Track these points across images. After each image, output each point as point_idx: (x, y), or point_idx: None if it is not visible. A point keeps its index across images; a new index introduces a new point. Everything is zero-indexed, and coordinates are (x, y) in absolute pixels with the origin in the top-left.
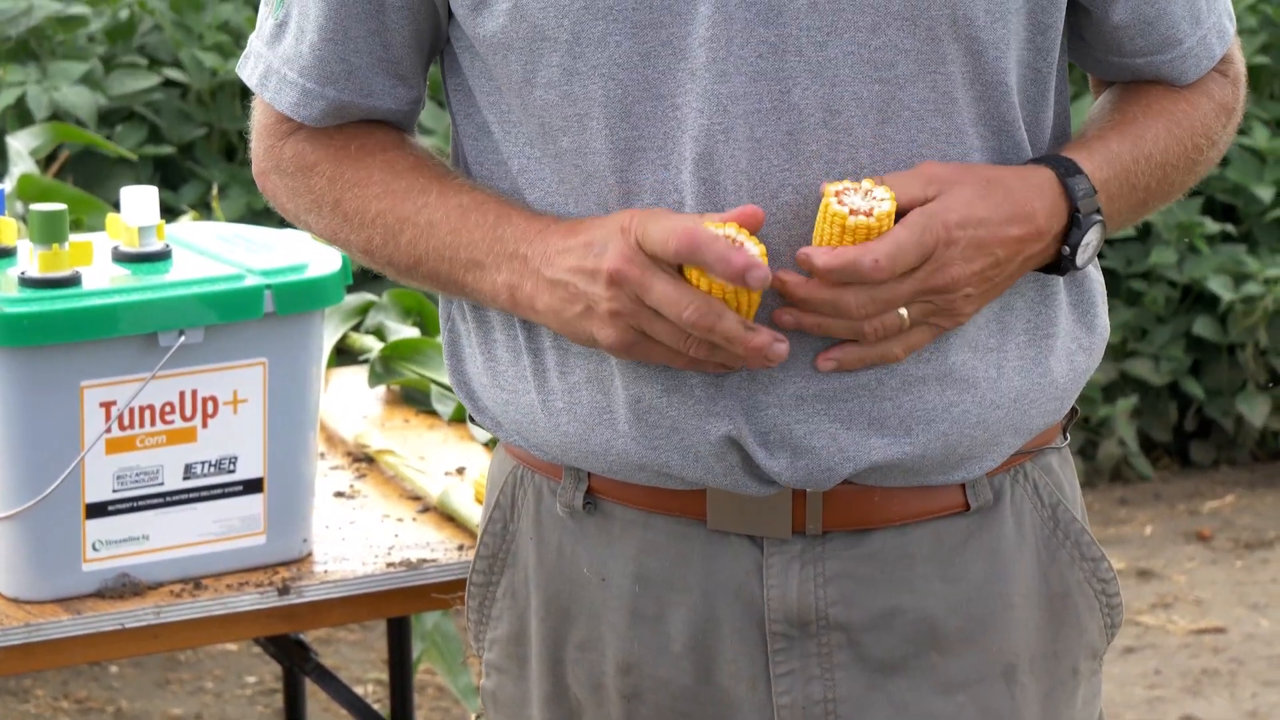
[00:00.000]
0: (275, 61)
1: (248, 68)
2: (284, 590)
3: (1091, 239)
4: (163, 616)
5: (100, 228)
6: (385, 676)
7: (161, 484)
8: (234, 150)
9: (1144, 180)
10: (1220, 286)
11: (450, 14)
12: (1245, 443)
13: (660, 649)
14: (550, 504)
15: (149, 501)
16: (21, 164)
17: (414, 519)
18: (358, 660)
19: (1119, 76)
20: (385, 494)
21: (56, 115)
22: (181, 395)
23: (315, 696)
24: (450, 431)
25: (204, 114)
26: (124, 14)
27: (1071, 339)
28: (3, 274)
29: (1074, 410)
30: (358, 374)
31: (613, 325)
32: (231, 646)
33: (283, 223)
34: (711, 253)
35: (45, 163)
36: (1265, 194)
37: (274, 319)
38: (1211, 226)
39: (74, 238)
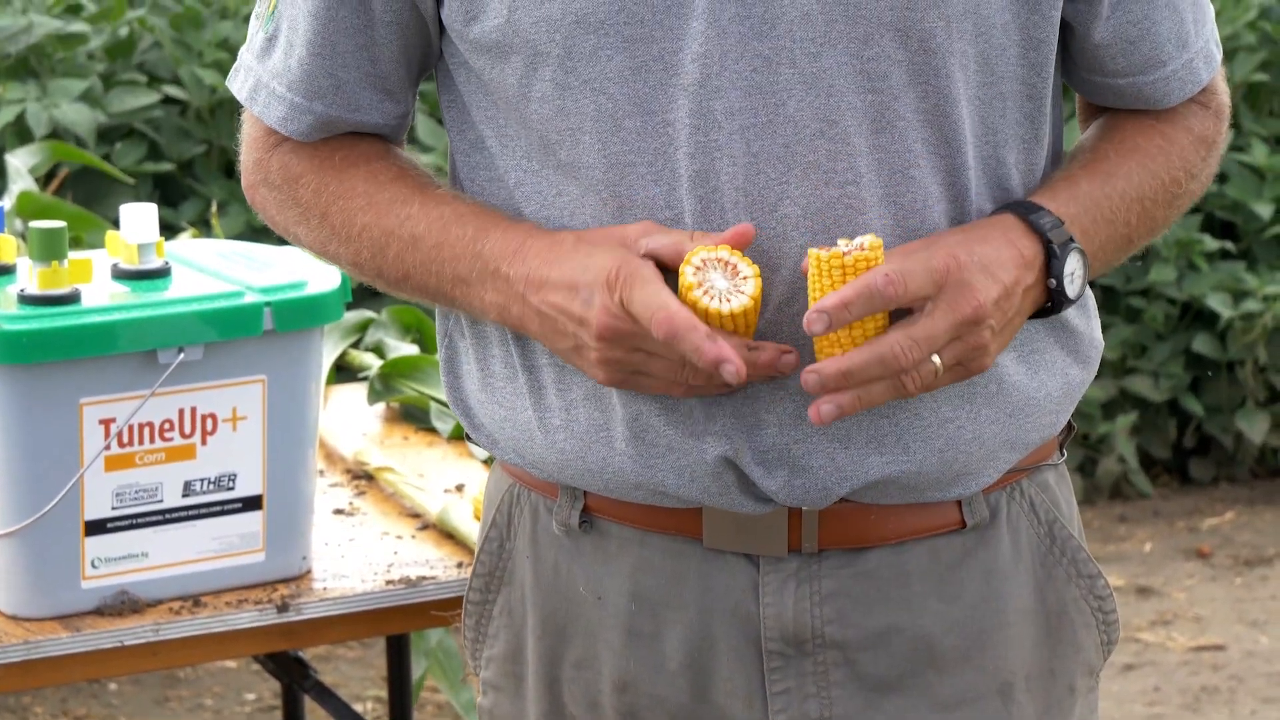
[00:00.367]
0: (265, 75)
1: (238, 81)
2: (283, 607)
3: (1075, 267)
4: (162, 634)
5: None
6: (384, 694)
7: (161, 501)
8: (233, 167)
9: (1122, 215)
10: (1219, 303)
11: (442, 30)
12: (1245, 460)
13: (656, 667)
14: (546, 522)
15: (148, 519)
16: (21, 181)
17: (413, 536)
18: (357, 677)
19: (1102, 97)
20: (384, 511)
21: (56, 133)
22: (181, 412)
23: (314, 714)
24: (449, 449)
25: (203, 131)
26: (123, 31)
27: (1065, 352)
28: (2, 291)
29: (1070, 426)
30: (357, 391)
31: (604, 368)
32: (231, 664)
33: (282, 240)
34: (688, 345)
35: (45, 180)
36: (1264, 211)
37: (273, 336)
38: (1211, 243)
39: (73, 255)
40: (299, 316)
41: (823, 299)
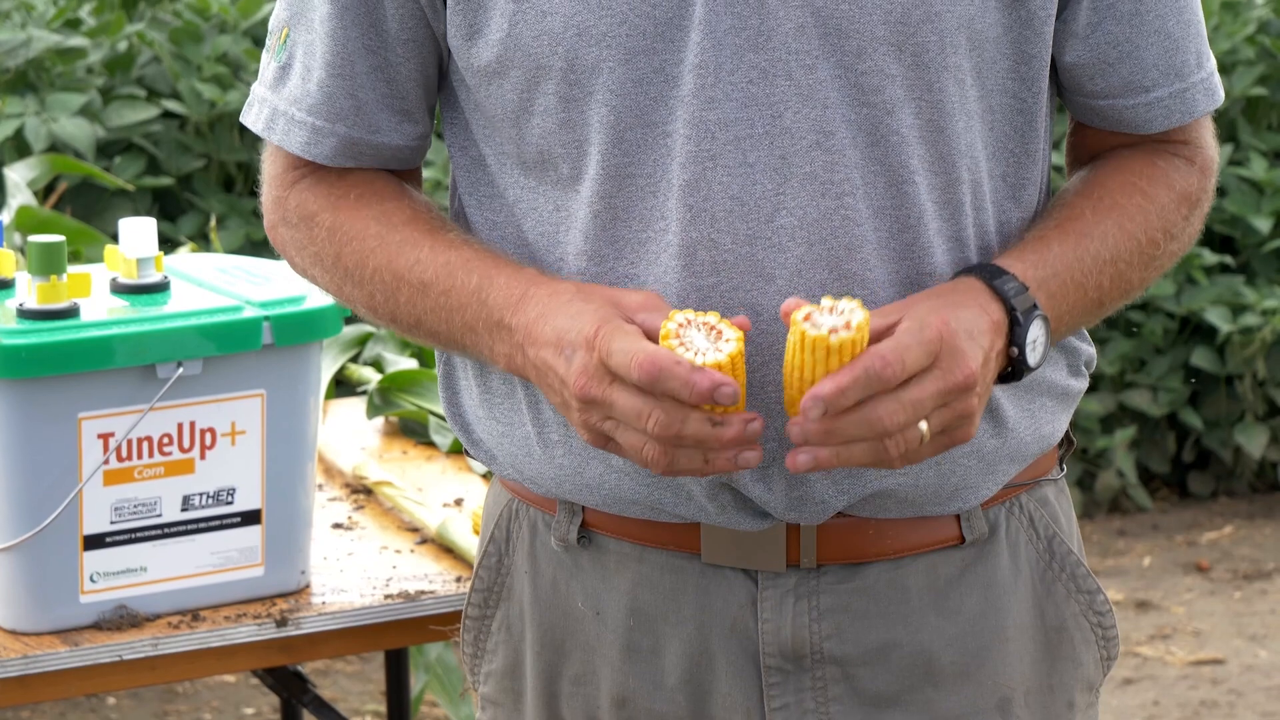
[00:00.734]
0: (281, 104)
1: (252, 114)
2: (282, 622)
3: (1037, 334)
4: (160, 648)
5: (98, 259)
6: (383, 708)
7: (159, 515)
8: (232, 181)
9: (1094, 279)
10: (1218, 318)
11: (449, 49)
12: (1244, 474)
13: (655, 683)
14: (545, 538)
15: (147, 533)
16: (20, 195)
17: (412, 550)
18: (356, 692)
19: (1087, 117)
20: (383, 525)
21: (55, 147)
22: (180, 427)
23: None
24: (448, 463)
25: (202, 145)
26: (122, 46)
27: (1060, 362)
28: (1, 305)
29: (1070, 441)
30: (356, 405)
31: (585, 430)
32: (229, 678)
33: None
34: (675, 380)
35: (43, 194)
36: (1263, 225)
37: (272, 350)
38: (1209, 257)
39: (72, 269)
40: (298, 331)
41: (820, 386)
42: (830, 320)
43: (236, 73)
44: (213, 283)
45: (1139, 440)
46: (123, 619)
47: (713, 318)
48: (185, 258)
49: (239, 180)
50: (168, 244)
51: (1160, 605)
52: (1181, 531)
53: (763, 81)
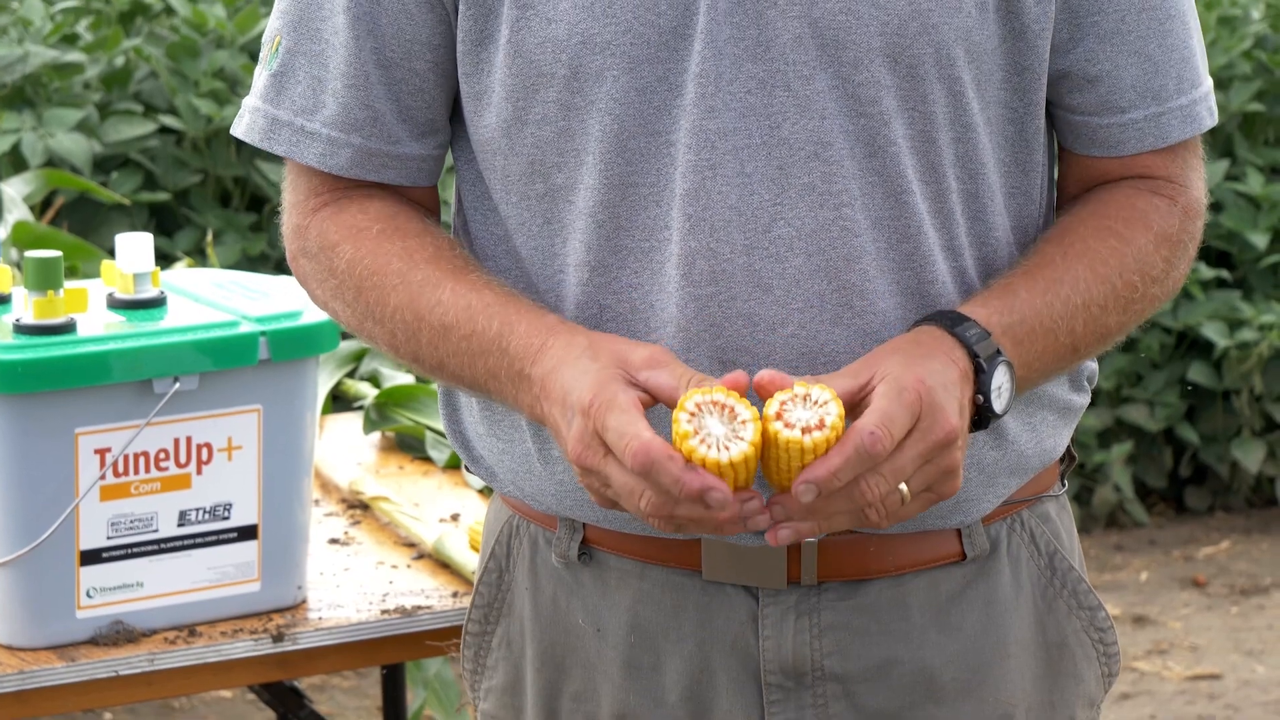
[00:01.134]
0: (284, 114)
1: (243, 124)
2: (278, 637)
3: (1002, 380)
4: (157, 664)
5: (95, 274)
6: None
7: (156, 531)
8: (229, 197)
9: (1064, 324)
10: (1215, 333)
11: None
12: (1240, 489)
13: (655, 700)
14: (545, 554)
15: (143, 548)
16: (16, 211)
17: (408, 566)
18: (352, 707)
19: (1063, 134)
20: (380, 541)
21: (51, 162)
22: (176, 442)
23: None
24: (445, 478)
25: (199, 161)
26: (119, 61)
27: (1062, 377)
28: None
29: (1072, 456)
30: (352, 420)
31: (587, 489)
32: (226, 693)
33: (278, 268)
34: (666, 476)
35: (40, 209)
36: (1260, 240)
37: (269, 366)
38: (1206, 272)
39: (69, 284)
40: (294, 346)
41: (813, 470)
42: (804, 415)
43: (233, 88)
44: (209, 298)
45: (1136, 455)
46: (119, 634)
47: (721, 394)
48: (182, 273)
49: (236, 195)
50: (164, 259)
51: (1157, 620)
52: (1178, 546)
53: (761, 92)
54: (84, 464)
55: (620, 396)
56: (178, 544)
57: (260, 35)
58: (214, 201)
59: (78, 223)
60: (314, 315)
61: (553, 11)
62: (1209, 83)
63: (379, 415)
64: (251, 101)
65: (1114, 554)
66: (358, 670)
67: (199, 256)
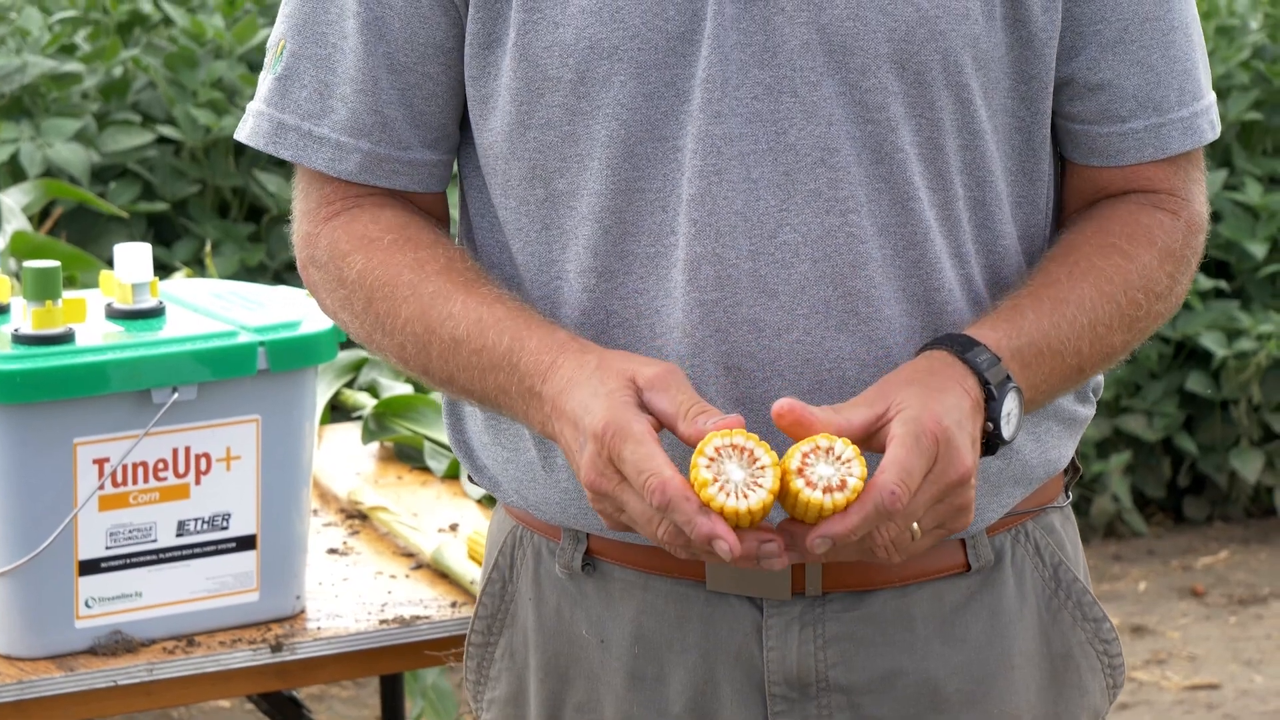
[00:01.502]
0: (290, 119)
1: (247, 128)
2: (277, 647)
3: (1011, 407)
4: (155, 673)
5: (94, 284)
6: None
7: (154, 541)
8: (227, 207)
9: (1071, 345)
10: (1213, 342)
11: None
12: (1239, 499)
13: (659, 711)
14: (549, 565)
15: (142, 558)
16: (15, 221)
17: (407, 576)
18: (351, 717)
19: (1063, 143)
20: (378, 551)
21: (50, 172)
22: (175, 452)
23: None
24: (443, 488)
25: (197, 171)
26: (118, 71)
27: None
28: None
29: (1076, 468)
30: (351, 431)
31: (599, 513)
32: (224, 703)
33: (276, 278)
34: (680, 516)
35: (39, 219)
36: (1258, 250)
37: (267, 376)
38: (1204, 282)
39: (67, 294)
40: (293, 356)
41: (830, 526)
42: (826, 472)
43: (231, 98)
44: (208, 308)
45: (1134, 465)
46: (118, 644)
47: (741, 437)
48: (180, 283)
49: (234, 206)
50: (163, 269)
51: (1156, 630)
52: (1177, 556)
53: (768, 98)
54: (82, 474)
55: (634, 425)
56: (176, 554)
57: (258, 45)
58: (212, 212)
59: (76, 233)
60: (312, 325)
61: (560, 16)
62: (1212, 96)
63: (377, 425)
64: (256, 106)
65: (1112, 564)
66: (356, 680)
67: (197, 267)
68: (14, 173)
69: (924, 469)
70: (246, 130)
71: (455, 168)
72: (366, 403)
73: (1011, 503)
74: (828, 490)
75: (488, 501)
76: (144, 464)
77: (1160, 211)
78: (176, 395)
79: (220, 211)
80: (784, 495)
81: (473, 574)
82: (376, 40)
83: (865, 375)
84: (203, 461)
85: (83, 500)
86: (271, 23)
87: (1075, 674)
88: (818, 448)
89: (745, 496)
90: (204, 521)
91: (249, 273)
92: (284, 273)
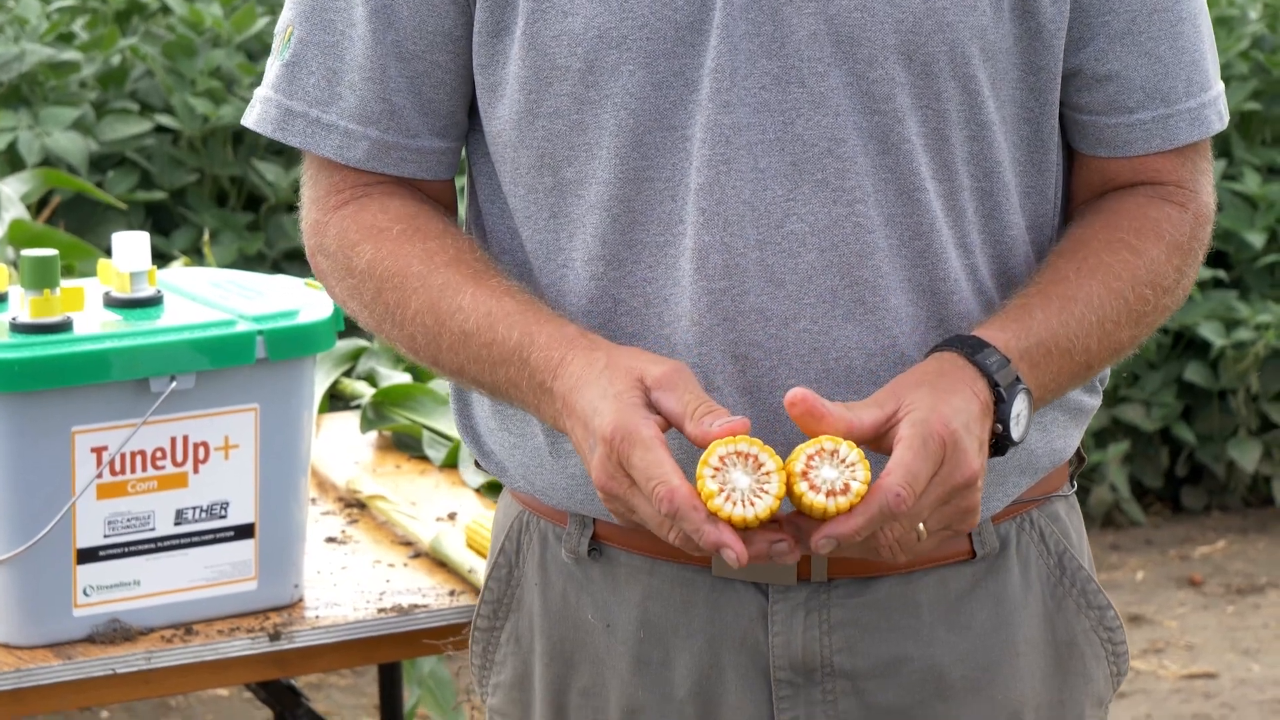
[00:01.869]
0: (298, 105)
1: (254, 114)
2: (275, 636)
3: (1021, 408)
4: (154, 662)
5: (92, 273)
6: None
7: (153, 529)
8: (226, 196)
9: (1080, 343)
10: (1212, 332)
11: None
12: (1237, 488)
13: (664, 695)
14: (555, 550)
15: (140, 547)
16: (13, 210)
17: (405, 564)
18: (349, 705)
19: (1071, 134)
20: (377, 540)
21: (48, 161)
22: (173, 441)
23: None
24: (442, 477)
25: (196, 160)
26: (116, 60)
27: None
28: None
29: (1081, 458)
30: (349, 419)
31: (611, 511)
32: (223, 692)
33: (274, 267)
34: (689, 524)
35: (36, 208)
36: (1256, 240)
37: (266, 365)
38: (1203, 272)
39: (65, 283)
40: (291, 345)
41: (835, 526)
42: (830, 475)
43: (230, 87)
44: (206, 297)
45: (1132, 455)
46: (116, 632)
47: (745, 444)
48: (178, 272)
49: (232, 195)
50: (161, 258)
51: (1153, 619)
52: (1174, 546)
53: (775, 88)
54: (81, 462)
55: (643, 430)
56: (175, 542)
57: (257, 34)
58: (210, 201)
59: (74, 221)
60: (310, 314)
61: (569, 5)
62: (1219, 87)
63: (376, 414)
64: (263, 92)
65: (1110, 553)
66: (355, 669)
67: (195, 255)
68: (12, 161)
69: (930, 471)
70: (254, 116)
71: (464, 154)
72: (365, 392)
73: (1017, 491)
74: (831, 494)
75: (486, 490)
76: (142, 453)
77: (1168, 204)
78: (175, 384)
79: (218, 200)
80: (789, 495)
81: (471, 563)
82: (385, 28)
83: (872, 364)
84: (201, 450)
85: (81, 489)
86: (270, 12)
87: (1079, 661)
88: (823, 450)
89: (751, 504)
90: (202, 510)
91: (247, 261)
92: (282, 262)
